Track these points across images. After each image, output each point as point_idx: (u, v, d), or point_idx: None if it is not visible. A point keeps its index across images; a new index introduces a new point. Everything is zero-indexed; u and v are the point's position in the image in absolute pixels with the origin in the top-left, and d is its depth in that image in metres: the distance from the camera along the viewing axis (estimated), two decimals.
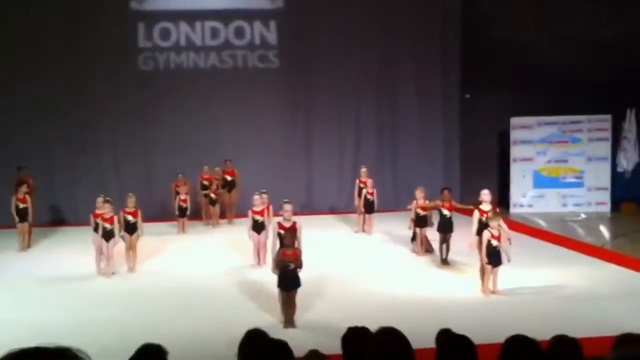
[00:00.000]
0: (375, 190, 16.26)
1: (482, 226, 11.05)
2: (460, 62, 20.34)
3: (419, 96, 20.40)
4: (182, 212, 17.05)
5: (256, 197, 13.43)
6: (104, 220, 12.77)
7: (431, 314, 9.78)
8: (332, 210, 19.59)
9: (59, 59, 19.01)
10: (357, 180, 16.74)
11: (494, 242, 10.57)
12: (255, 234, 13.24)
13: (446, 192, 13.46)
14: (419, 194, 14.16)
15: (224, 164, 18.13)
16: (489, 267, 10.67)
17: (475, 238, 11.19)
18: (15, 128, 18.75)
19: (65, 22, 19.08)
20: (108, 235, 12.76)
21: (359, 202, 16.51)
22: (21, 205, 15.08)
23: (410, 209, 14.18)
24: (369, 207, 16.23)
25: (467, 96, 20.52)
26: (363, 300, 10.73)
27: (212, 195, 17.84)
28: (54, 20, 19.02)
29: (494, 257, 10.62)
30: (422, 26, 20.23)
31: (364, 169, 16.72)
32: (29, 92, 18.81)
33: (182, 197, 17.02)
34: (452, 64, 20.38)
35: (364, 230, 16.56)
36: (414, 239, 14.22)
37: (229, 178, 18.14)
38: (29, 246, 15.66)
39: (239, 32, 20.01)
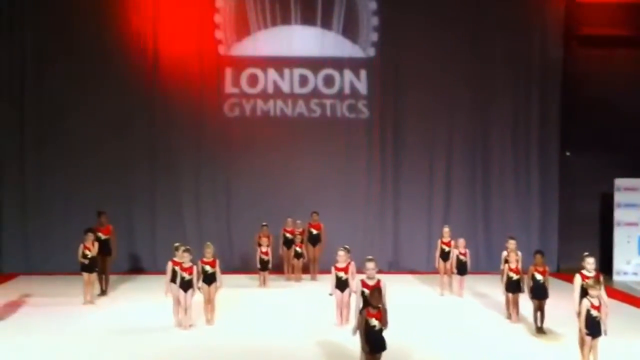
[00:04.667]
0: (468, 251, 16.06)
1: (584, 292, 10.75)
2: (560, 119, 20.09)
3: (515, 153, 20.24)
4: (264, 265, 17.17)
5: (341, 253, 13.32)
6: (183, 269, 12.88)
7: None
8: (420, 271, 19.40)
9: (145, 105, 19.71)
10: (439, 241, 16.54)
11: (594, 312, 10.26)
12: (338, 291, 13.18)
13: (539, 255, 13.13)
14: (512, 255, 13.86)
15: (310, 216, 18.20)
16: (588, 338, 10.36)
17: (579, 306, 10.85)
18: (98, 174, 19.47)
19: (152, 66, 19.77)
20: (186, 286, 12.86)
21: (441, 264, 16.35)
22: (89, 254, 15.03)
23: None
24: (462, 269, 16.01)
25: (568, 154, 20.21)
26: None
27: (297, 248, 17.91)
28: (140, 65, 19.73)
29: (593, 327, 10.30)
30: (520, 81, 20.21)
31: (446, 229, 16.49)
32: (113, 138, 19.57)
33: (264, 249, 17.15)
34: (551, 120, 20.17)
35: (450, 291, 16.34)
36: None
37: (314, 232, 18.17)
38: (105, 293, 16.03)
39: (328, 81, 20.28)
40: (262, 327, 13.22)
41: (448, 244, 16.26)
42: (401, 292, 14.98)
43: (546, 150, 20.21)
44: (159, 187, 19.79)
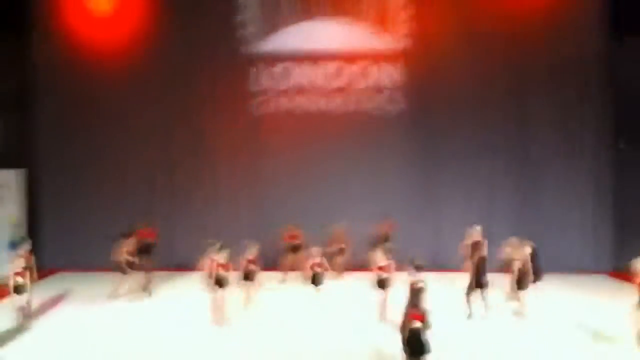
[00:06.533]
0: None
1: None
2: (613, 109, 19.49)
3: (563, 145, 19.48)
4: (318, 280, 15.29)
5: (380, 252, 13.36)
6: (218, 266, 13.02)
7: None
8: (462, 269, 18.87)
9: (172, 103, 19.67)
10: (469, 241, 15.68)
11: None
12: (379, 290, 13.14)
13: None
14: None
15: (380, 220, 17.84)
16: None
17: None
18: (126, 175, 19.65)
19: (178, 64, 19.69)
20: (221, 283, 12.98)
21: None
22: (128, 258, 15.34)
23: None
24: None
25: (622, 147, 19.61)
26: None
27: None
28: (165, 64, 19.66)
29: None
30: (566, 66, 19.35)
31: (478, 227, 15.72)
32: (138, 139, 19.65)
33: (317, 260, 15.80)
34: (603, 110, 19.41)
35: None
36: None
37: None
38: (148, 293, 16.05)
39: (360, 74, 19.93)
40: (300, 326, 13.20)
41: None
42: (441, 292, 14.74)
43: (598, 142, 19.40)
44: (186, 186, 19.74)
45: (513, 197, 19.55)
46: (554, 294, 15.57)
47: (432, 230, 19.45)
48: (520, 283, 13.72)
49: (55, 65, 19.61)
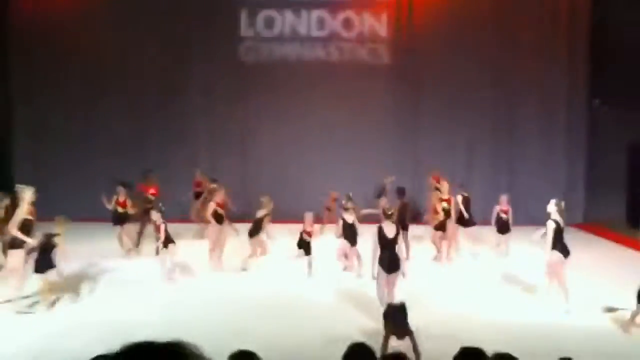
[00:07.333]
0: (510, 208, 15.19)
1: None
2: (588, 69, 19.75)
3: (540, 105, 19.92)
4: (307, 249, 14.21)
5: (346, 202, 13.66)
6: (218, 205, 13.61)
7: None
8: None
9: (156, 48, 19.64)
10: (439, 198, 15.10)
11: None
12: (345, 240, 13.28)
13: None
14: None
15: None
16: None
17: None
18: (110, 121, 19.65)
19: (162, 10, 19.65)
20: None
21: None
22: (120, 210, 14.96)
23: None
24: (504, 227, 15.17)
25: (597, 102, 19.79)
26: (483, 325, 10.36)
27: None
28: (150, 7, 19.65)
29: None
30: (546, 27, 19.82)
31: (445, 184, 15.07)
32: (124, 85, 19.65)
33: (308, 229, 14.04)
34: (578, 69, 19.81)
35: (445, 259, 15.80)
36: None
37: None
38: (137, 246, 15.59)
39: (348, 23, 20.05)
40: (290, 274, 13.36)
41: (448, 201, 14.69)
42: (423, 249, 14.92)
43: (573, 100, 19.89)
44: (172, 134, 19.80)
45: (490, 149, 19.98)
46: (520, 246, 15.55)
47: (411, 182, 19.47)
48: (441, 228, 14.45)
49: (31, 23, 19.62)
